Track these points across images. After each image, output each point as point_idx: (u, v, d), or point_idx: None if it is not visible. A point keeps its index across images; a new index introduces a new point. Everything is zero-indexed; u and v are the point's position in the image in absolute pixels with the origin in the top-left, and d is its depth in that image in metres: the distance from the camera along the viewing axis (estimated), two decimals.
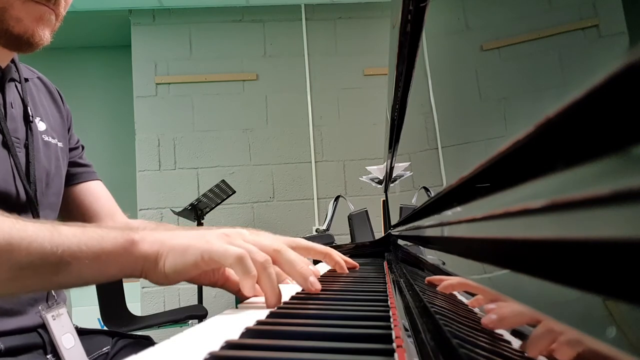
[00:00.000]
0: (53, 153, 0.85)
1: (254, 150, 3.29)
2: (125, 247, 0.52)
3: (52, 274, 0.49)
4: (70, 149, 0.93)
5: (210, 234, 0.55)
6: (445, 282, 0.35)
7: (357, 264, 0.89)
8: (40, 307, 0.76)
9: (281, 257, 0.56)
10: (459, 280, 0.31)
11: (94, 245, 0.51)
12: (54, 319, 0.76)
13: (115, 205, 0.98)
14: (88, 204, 0.93)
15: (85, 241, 0.51)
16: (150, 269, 0.53)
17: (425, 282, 0.36)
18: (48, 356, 0.74)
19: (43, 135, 0.84)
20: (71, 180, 0.92)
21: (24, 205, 0.76)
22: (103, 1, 3.18)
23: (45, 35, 0.70)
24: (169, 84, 3.28)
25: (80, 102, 3.38)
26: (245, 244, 0.54)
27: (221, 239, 0.54)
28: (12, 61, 0.80)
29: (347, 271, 0.85)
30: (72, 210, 0.92)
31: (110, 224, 0.95)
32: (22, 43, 0.69)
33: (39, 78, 0.91)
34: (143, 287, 3.15)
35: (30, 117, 0.80)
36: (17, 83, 0.81)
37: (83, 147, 0.99)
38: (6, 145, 0.74)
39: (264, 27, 3.39)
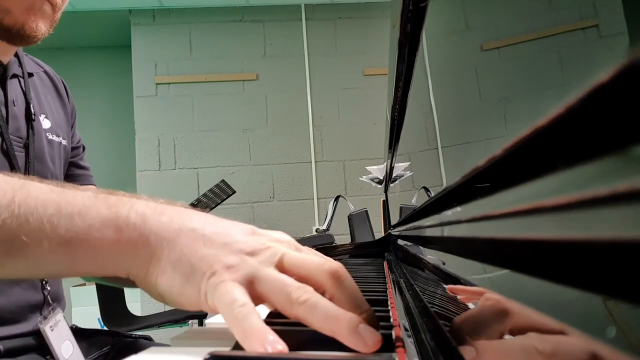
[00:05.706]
0: (57, 152, 0.83)
1: (254, 150, 3.29)
2: (112, 235, 0.36)
3: (1, 254, 0.35)
4: (72, 148, 0.91)
5: (232, 247, 0.37)
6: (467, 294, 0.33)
7: None
8: (38, 320, 0.74)
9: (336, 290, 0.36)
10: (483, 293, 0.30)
11: (65, 224, 0.35)
12: (52, 330, 0.74)
13: None
14: None
15: (56, 214, 0.35)
16: (139, 276, 0.37)
17: (448, 290, 0.35)
18: (47, 357, 0.74)
19: (47, 134, 0.81)
20: (66, 181, 0.88)
21: None
22: (103, 1, 3.18)
23: (39, 27, 0.66)
24: (169, 84, 3.28)
25: (80, 102, 3.34)
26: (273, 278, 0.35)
27: (234, 268, 0.35)
28: (16, 55, 0.78)
29: None
30: None
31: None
32: (13, 36, 0.66)
33: (45, 72, 0.89)
34: None
35: (33, 116, 0.78)
36: (20, 78, 0.79)
37: (84, 148, 0.96)
38: (5, 150, 0.72)
39: (264, 27, 3.38)
